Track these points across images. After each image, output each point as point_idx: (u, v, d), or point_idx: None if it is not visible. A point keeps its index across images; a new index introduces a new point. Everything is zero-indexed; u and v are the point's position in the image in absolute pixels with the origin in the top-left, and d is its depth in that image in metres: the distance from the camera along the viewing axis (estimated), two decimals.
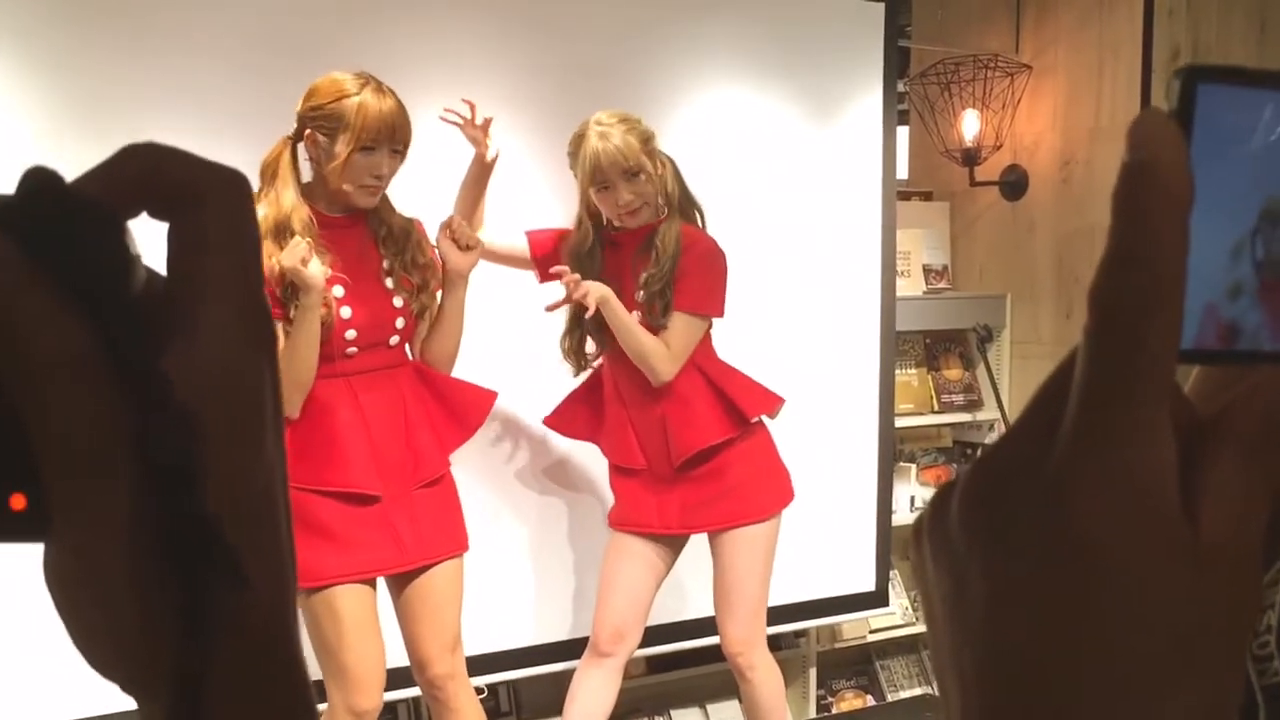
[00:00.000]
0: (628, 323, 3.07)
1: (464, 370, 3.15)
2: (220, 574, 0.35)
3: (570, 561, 3.83)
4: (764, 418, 3.32)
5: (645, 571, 3.31)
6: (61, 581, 0.35)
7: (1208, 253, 0.35)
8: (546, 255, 3.24)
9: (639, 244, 3.16)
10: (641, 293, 3.12)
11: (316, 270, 2.66)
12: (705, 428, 3.18)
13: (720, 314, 3.20)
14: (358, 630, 2.82)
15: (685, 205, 3.20)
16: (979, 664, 0.35)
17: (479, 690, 3.80)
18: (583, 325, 3.22)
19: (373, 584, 2.90)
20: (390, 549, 2.88)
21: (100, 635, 0.36)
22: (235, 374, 0.36)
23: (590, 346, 3.27)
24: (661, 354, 3.09)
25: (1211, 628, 0.33)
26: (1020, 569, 0.34)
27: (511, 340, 3.59)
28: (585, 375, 3.35)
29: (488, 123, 3.06)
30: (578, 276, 3.02)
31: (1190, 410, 0.35)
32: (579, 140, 3.09)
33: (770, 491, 3.28)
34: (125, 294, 0.35)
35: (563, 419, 3.42)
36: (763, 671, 3.35)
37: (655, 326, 3.12)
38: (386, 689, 2.93)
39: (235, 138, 3.00)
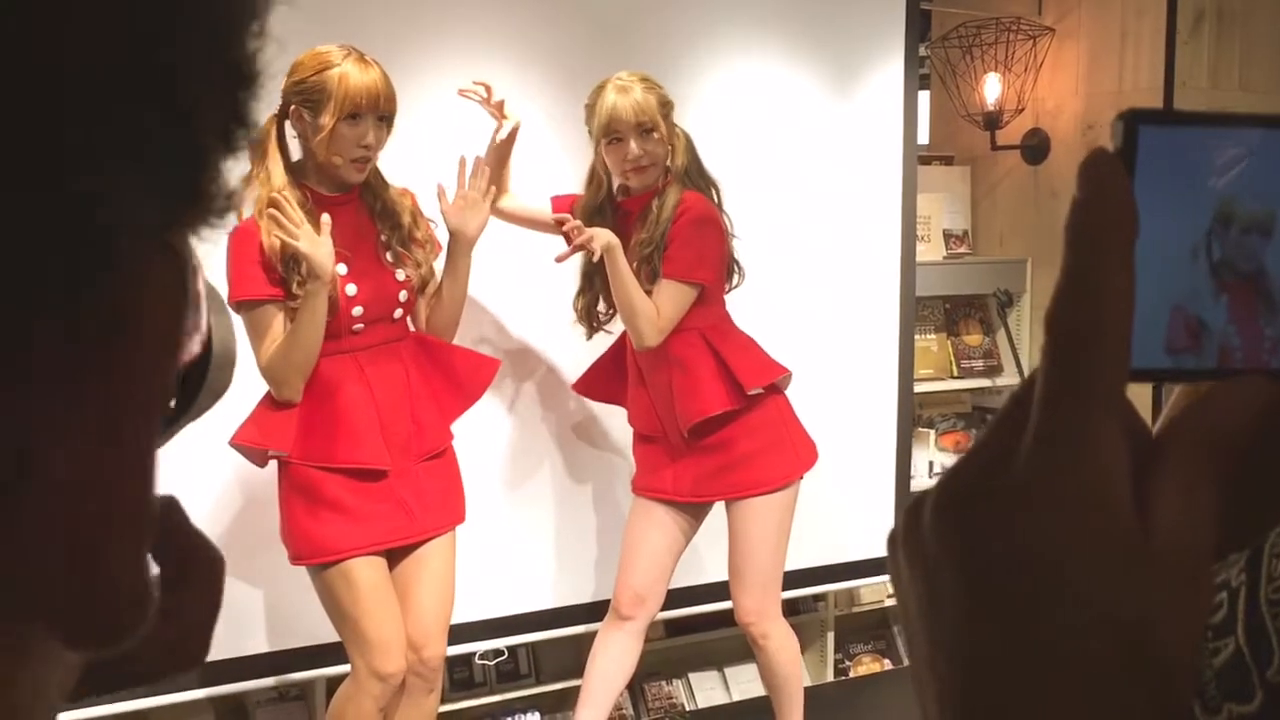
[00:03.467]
0: (625, 276, 3.04)
1: (481, 337, 3.16)
2: None
3: (591, 525, 3.85)
4: (780, 386, 3.31)
5: (666, 537, 3.32)
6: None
7: (1167, 263, 0.38)
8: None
9: (641, 210, 3.15)
10: (636, 259, 3.11)
11: (327, 251, 2.66)
12: (708, 398, 3.17)
13: (710, 281, 3.16)
14: (375, 598, 2.84)
15: (696, 179, 3.18)
16: (952, 667, 0.37)
17: (499, 653, 3.84)
18: (595, 286, 3.22)
19: (383, 555, 2.92)
20: (401, 519, 2.89)
21: None
22: None
23: (602, 306, 3.26)
24: (649, 316, 3.06)
25: (1164, 626, 0.36)
26: (988, 574, 0.36)
27: (533, 305, 3.59)
28: (605, 341, 3.35)
29: (501, 104, 3.07)
30: (580, 224, 3.01)
31: (1141, 424, 0.38)
32: (597, 93, 3.09)
33: (782, 462, 3.27)
34: None
35: (591, 384, 3.44)
36: (777, 640, 3.36)
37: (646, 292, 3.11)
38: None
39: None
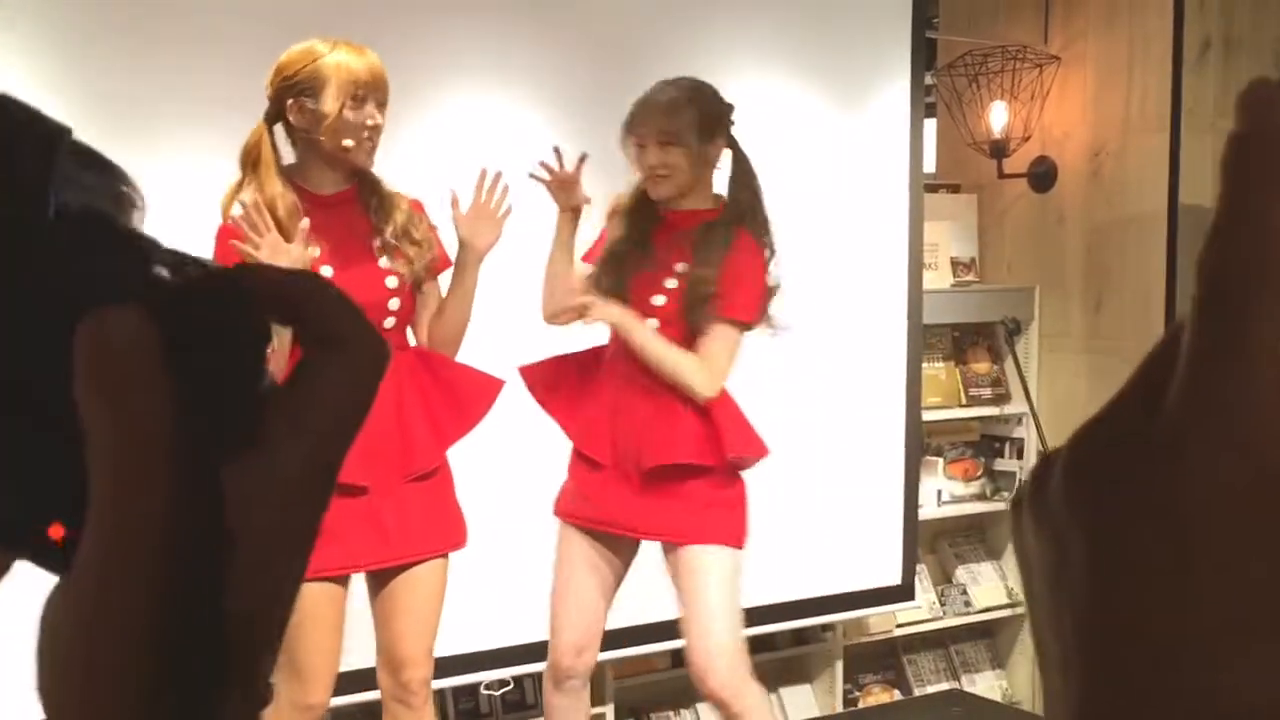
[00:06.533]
0: (648, 341, 2.92)
1: (487, 352, 3.11)
2: (240, 688, 0.36)
3: None
4: (745, 464, 3.09)
5: (598, 582, 3.12)
6: (64, 622, 0.35)
7: None
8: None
9: (687, 232, 3.00)
10: (674, 281, 2.97)
11: (290, 260, 2.57)
12: (682, 446, 2.98)
13: (757, 322, 3.02)
14: (315, 624, 2.73)
15: (750, 219, 3.03)
16: (1080, 632, 0.35)
17: (504, 683, 3.81)
18: (600, 286, 3.02)
19: (344, 580, 2.81)
20: (374, 542, 2.77)
21: (84, 688, 0.35)
22: (296, 517, 0.38)
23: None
24: (695, 365, 2.92)
25: None
26: (1124, 536, 0.34)
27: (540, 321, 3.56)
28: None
29: (580, 164, 2.95)
30: (591, 301, 2.92)
31: None
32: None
33: (733, 524, 3.04)
34: (243, 394, 0.37)
35: (536, 376, 3.15)
36: (750, 702, 3.06)
37: (694, 331, 2.96)
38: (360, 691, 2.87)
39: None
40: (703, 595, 3.00)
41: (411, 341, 2.94)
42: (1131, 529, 0.33)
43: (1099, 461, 0.35)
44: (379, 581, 2.89)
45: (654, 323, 2.98)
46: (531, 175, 2.98)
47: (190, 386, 0.35)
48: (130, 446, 0.34)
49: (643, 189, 3.02)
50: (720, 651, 2.99)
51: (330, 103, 2.67)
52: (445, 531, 2.92)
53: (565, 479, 3.17)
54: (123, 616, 0.34)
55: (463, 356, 3.01)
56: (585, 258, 3.12)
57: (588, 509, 3.09)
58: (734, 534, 3.03)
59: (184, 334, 0.34)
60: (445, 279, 2.97)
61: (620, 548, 3.12)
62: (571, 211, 3.02)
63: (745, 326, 2.98)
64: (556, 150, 2.96)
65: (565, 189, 2.99)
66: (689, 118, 2.94)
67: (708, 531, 3.00)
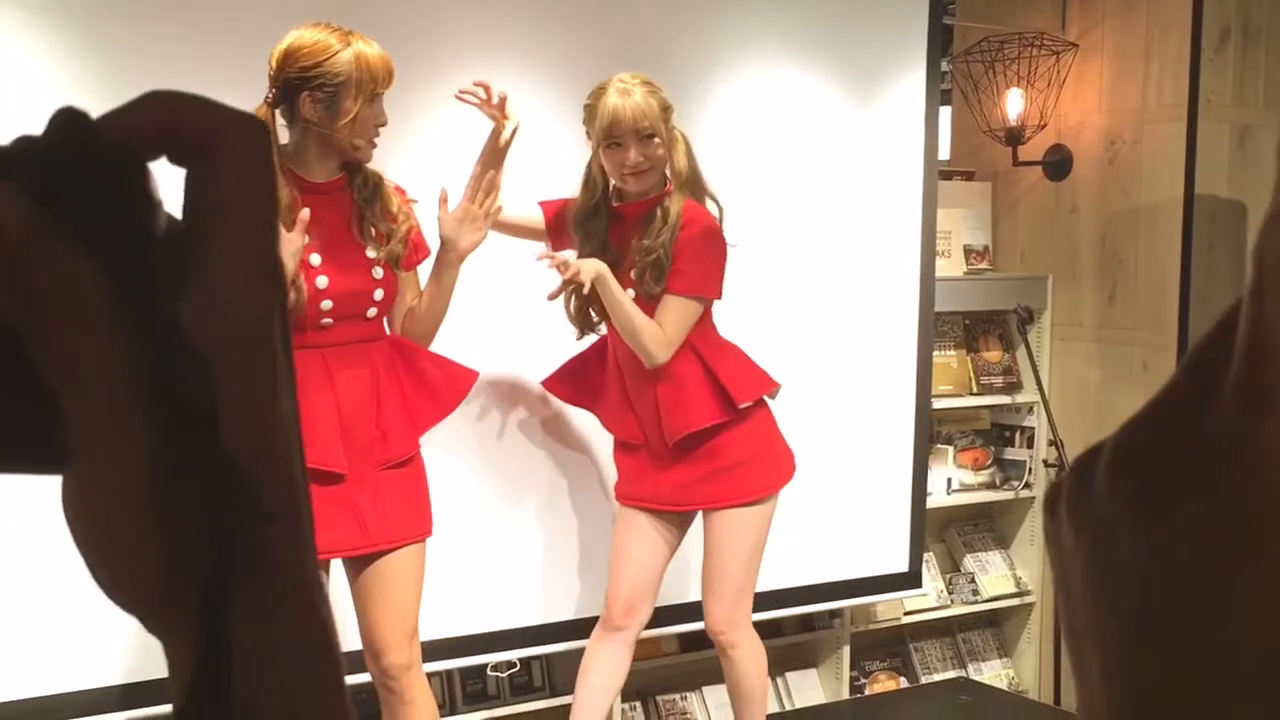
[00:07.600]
0: (621, 301, 3.03)
1: (470, 342, 3.11)
2: (240, 508, 0.36)
3: (607, 535, 3.83)
4: (766, 398, 3.29)
5: (651, 546, 3.31)
6: (81, 513, 0.36)
7: None
8: (559, 222, 3.22)
9: (641, 216, 3.13)
10: (636, 265, 3.09)
11: (291, 251, 2.59)
12: (696, 411, 3.16)
13: (718, 296, 3.17)
14: None
15: (694, 187, 3.16)
16: (1126, 636, 0.33)
17: (510, 664, 3.82)
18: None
19: (325, 566, 2.82)
20: (353, 530, 2.80)
21: (120, 567, 0.37)
22: (248, 318, 0.36)
23: (596, 308, 3.19)
24: (654, 335, 3.06)
25: None
26: (1177, 537, 0.32)
27: (519, 310, 3.54)
28: (590, 340, 3.32)
29: (504, 100, 2.98)
30: (565, 258, 2.99)
31: None
32: (598, 94, 3.07)
33: (763, 474, 3.26)
34: (146, 237, 0.35)
35: (561, 383, 3.40)
36: (745, 649, 3.35)
37: (647, 299, 3.08)
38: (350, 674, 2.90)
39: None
40: (731, 551, 3.26)
41: (387, 330, 2.94)
42: (1185, 533, 0.32)
43: (1148, 457, 0.33)
44: (355, 568, 2.91)
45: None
46: (459, 97, 3.00)
47: (96, 244, 0.34)
48: (69, 320, 0.34)
49: (589, 198, 3.15)
50: (730, 594, 3.29)
51: (350, 102, 2.66)
52: (419, 519, 2.95)
53: (617, 468, 3.41)
54: (131, 484, 0.35)
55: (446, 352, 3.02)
56: (551, 216, 3.23)
57: (636, 490, 3.31)
58: (767, 482, 3.27)
59: (64, 199, 0.34)
60: (424, 271, 2.96)
61: (672, 519, 3.33)
62: (501, 139, 3.02)
63: (702, 300, 3.13)
64: (483, 84, 2.98)
65: (493, 116, 3.01)
66: (658, 108, 3.05)
67: (741, 489, 3.23)
